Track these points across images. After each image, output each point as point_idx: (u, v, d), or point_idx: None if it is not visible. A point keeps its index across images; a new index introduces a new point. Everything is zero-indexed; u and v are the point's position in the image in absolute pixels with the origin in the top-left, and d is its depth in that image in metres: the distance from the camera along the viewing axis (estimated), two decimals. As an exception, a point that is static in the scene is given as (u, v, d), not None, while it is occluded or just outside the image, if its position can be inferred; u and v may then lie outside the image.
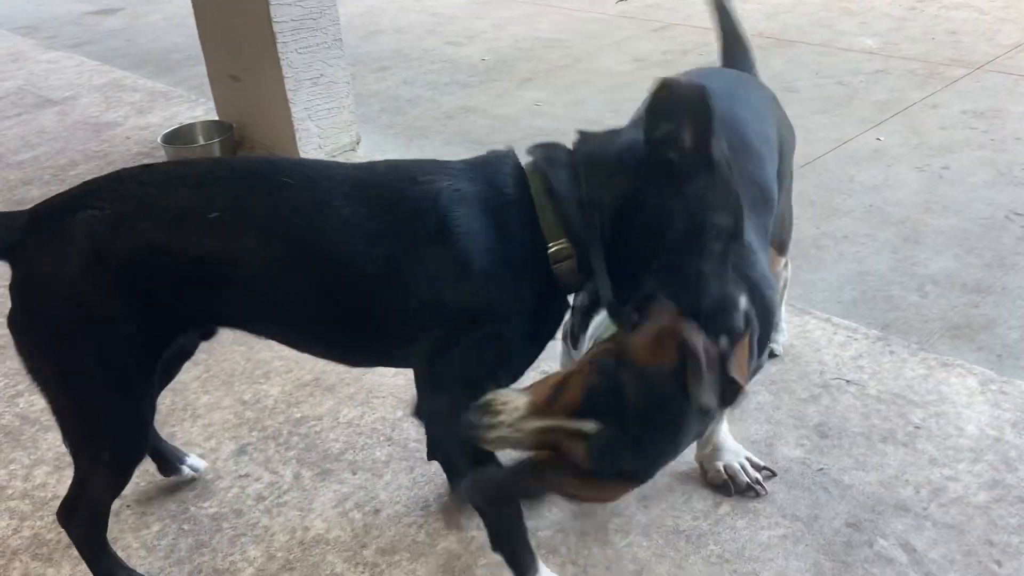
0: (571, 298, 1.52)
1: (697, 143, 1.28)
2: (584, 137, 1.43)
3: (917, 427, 2.02)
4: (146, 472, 2.02)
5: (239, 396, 2.27)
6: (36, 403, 2.27)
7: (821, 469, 1.92)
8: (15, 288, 1.45)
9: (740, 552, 1.73)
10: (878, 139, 3.80)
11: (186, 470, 1.98)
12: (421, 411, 1.50)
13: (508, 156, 1.48)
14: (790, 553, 1.72)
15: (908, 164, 3.54)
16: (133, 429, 1.54)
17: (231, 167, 1.51)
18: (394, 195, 1.43)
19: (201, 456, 2.05)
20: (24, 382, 2.33)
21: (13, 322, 1.47)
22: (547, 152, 1.44)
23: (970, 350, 2.37)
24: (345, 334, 1.51)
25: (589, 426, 1.21)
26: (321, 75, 3.52)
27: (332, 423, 2.15)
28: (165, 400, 2.25)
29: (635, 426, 1.21)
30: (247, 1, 3.38)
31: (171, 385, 2.20)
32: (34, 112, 4.48)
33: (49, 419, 2.11)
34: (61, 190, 1.50)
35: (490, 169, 1.46)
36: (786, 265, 2.23)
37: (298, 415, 2.19)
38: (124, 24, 6.66)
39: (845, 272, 2.79)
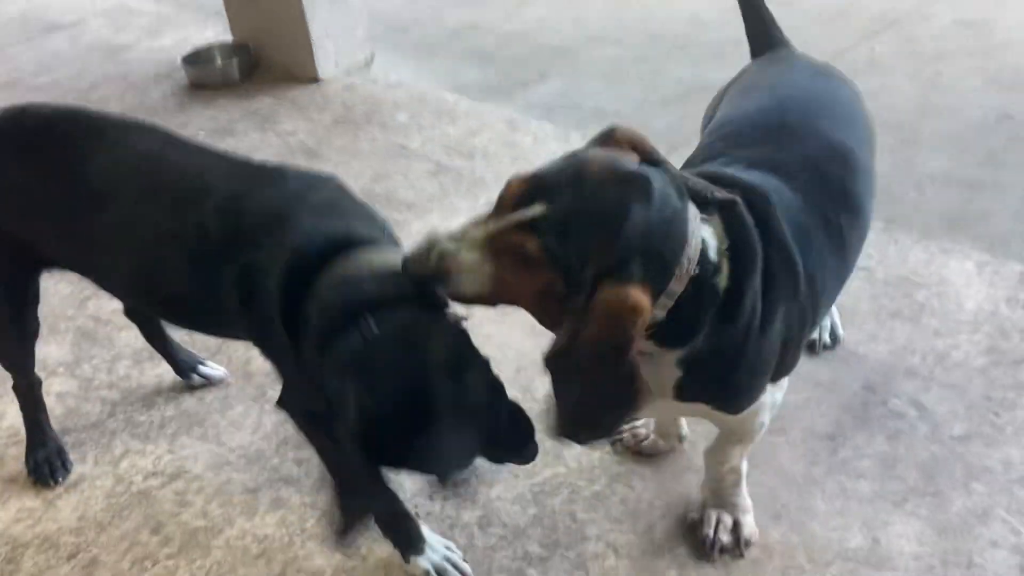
0: None
1: None
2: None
3: (921, 305, 2.23)
4: (221, 360, 2.20)
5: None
6: (105, 306, 2.43)
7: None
8: None
9: (769, 413, 1.95)
10: (873, 49, 3.96)
11: (196, 378, 2.14)
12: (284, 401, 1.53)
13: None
14: (815, 412, 1.94)
15: (902, 72, 3.70)
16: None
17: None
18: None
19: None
20: (91, 287, 2.50)
21: None
22: None
23: (966, 239, 2.58)
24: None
25: (536, 209, 1.11)
26: (337, -3, 3.60)
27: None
28: (227, 300, 2.42)
29: (584, 197, 1.12)
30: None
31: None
32: (44, 36, 4.52)
33: (121, 319, 2.29)
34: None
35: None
36: None
37: (353, 310, 2.37)
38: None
39: (848, 173, 2.98)
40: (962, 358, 2.06)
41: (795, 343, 1.40)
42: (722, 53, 4.07)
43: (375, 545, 1.70)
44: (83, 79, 3.97)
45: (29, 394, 1.92)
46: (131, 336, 2.28)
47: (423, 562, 1.64)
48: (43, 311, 2.40)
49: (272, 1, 3.66)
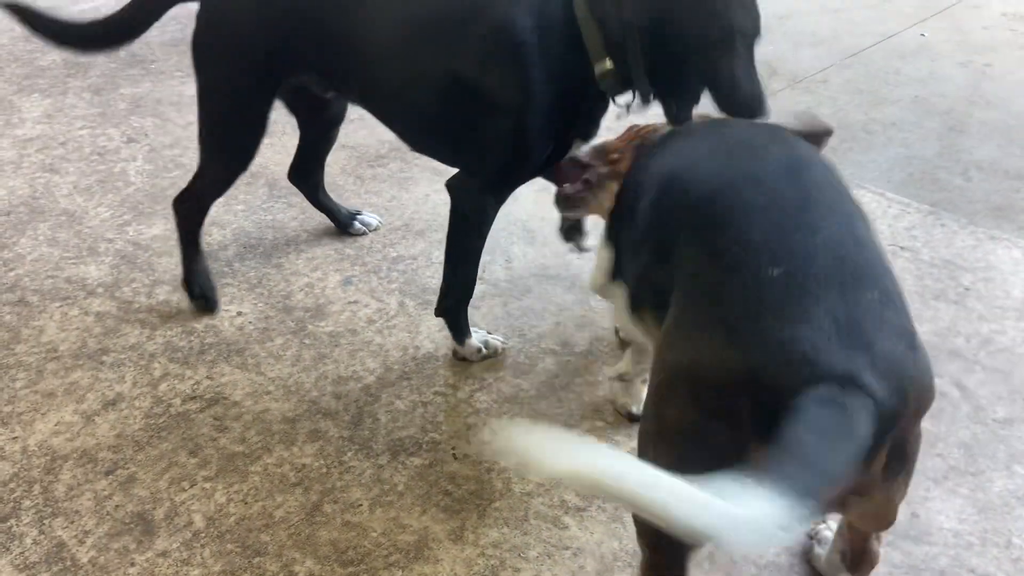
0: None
1: None
2: None
3: (967, 289, 2.22)
4: (261, 293, 2.20)
5: (336, 235, 2.43)
6: (145, 231, 2.43)
7: (880, 320, 2.12)
8: (198, 15, 1.91)
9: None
10: (922, 35, 3.90)
11: (357, 225, 2.43)
12: (451, 184, 1.84)
13: None
14: (855, 386, 1.93)
15: (951, 60, 3.66)
16: (243, 143, 1.98)
17: None
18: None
19: (309, 284, 2.23)
20: (131, 212, 2.50)
21: (192, 42, 1.93)
22: None
23: (1013, 228, 2.55)
24: (415, 113, 1.86)
25: None
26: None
27: (426, 262, 2.32)
28: (268, 235, 2.42)
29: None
30: None
31: (271, 223, 2.39)
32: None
33: (161, 245, 2.30)
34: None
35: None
36: None
37: (394, 254, 2.36)
38: None
39: (894, 155, 2.95)
40: (1008, 343, 2.05)
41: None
42: (768, 27, 4.02)
43: (412, 483, 1.71)
44: None
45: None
46: (171, 262, 2.27)
47: (474, 341, 1.99)
48: (83, 232, 2.41)
49: None
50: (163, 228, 2.42)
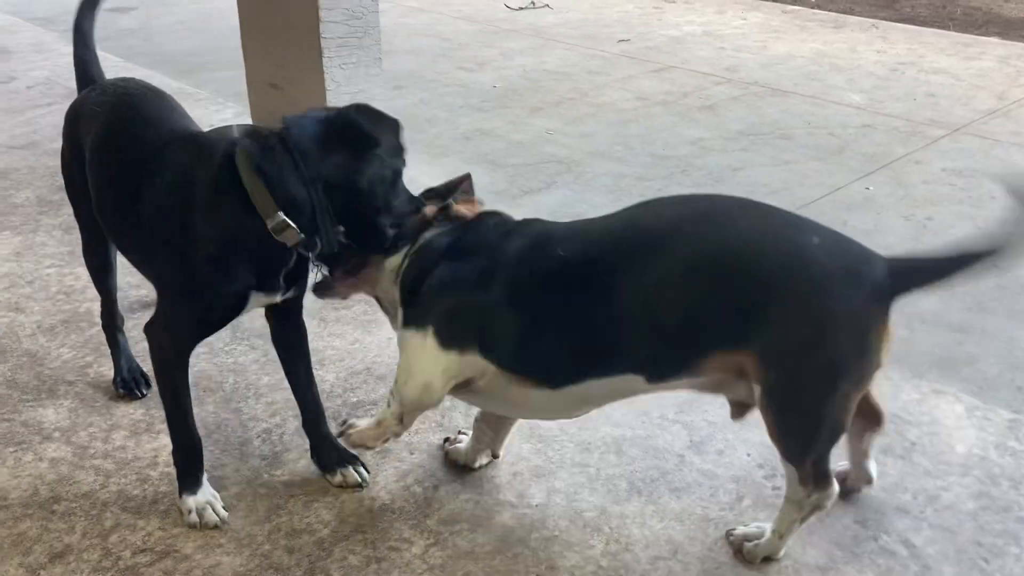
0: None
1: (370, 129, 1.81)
2: (287, 123, 1.81)
3: (913, 443, 2.28)
4: (218, 440, 2.20)
5: (297, 380, 2.45)
6: (105, 374, 2.44)
7: (830, 474, 2.16)
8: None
9: (762, 540, 1.97)
10: (867, 188, 4.12)
11: None
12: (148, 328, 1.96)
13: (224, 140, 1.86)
14: (806, 543, 1.96)
15: (895, 213, 3.86)
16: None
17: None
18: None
19: (267, 430, 2.24)
20: (92, 353, 2.51)
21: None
22: (257, 137, 1.81)
23: (955, 380, 2.65)
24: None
25: None
26: (360, 91, 3.73)
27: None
28: (228, 379, 2.44)
29: None
30: (296, 16, 3.59)
31: (232, 366, 2.42)
32: (65, 103, 4.60)
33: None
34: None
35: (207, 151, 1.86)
36: None
37: (354, 399, 2.39)
38: (139, 24, 6.82)
39: (842, 306, 3.07)
40: (952, 500, 2.10)
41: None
42: (722, 178, 4.23)
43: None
44: (100, 147, 4.04)
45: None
46: (130, 407, 2.28)
47: (189, 500, 1.98)
48: (43, 373, 2.41)
49: (296, 91, 3.79)
50: (124, 371, 2.44)
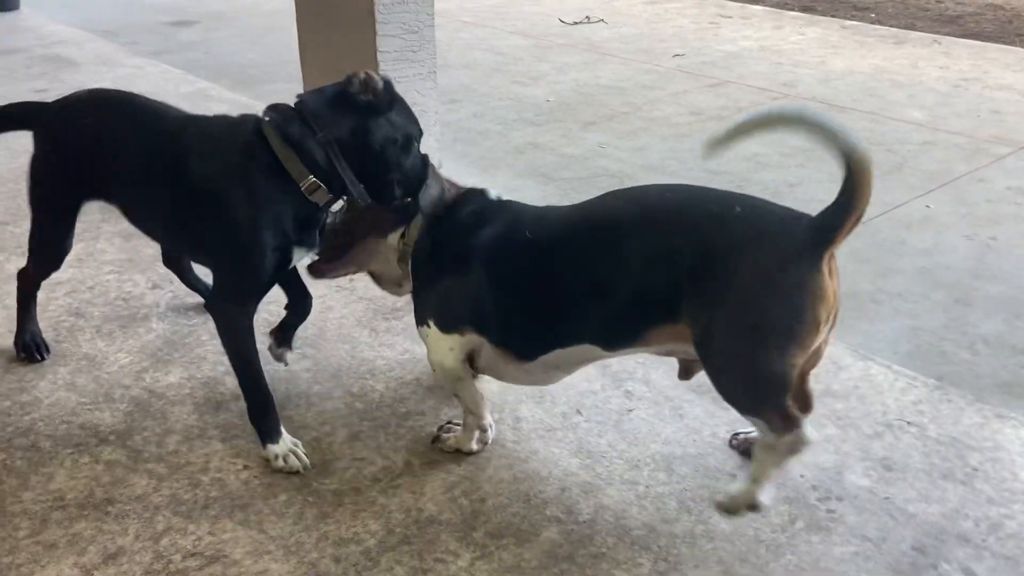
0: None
1: (383, 88, 2.04)
2: (301, 97, 2.09)
3: (975, 469, 2.21)
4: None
5: (347, 389, 2.47)
6: (160, 379, 2.48)
7: (887, 498, 2.11)
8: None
9: (816, 563, 1.92)
10: (927, 206, 4.03)
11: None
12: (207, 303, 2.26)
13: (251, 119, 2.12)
14: (861, 568, 1.91)
15: (957, 232, 3.76)
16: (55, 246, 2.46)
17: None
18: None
19: (316, 439, 2.26)
20: (149, 359, 2.56)
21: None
22: (279, 111, 2.08)
23: (1020, 407, 2.56)
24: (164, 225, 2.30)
25: None
26: (414, 103, 3.74)
27: (435, 419, 2.35)
28: (280, 388, 2.46)
29: None
30: (353, 30, 3.64)
31: (284, 375, 2.45)
32: (127, 113, 4.73)
33: (175, 393, 2.34)
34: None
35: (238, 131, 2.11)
36: None
37: (403, 410, 2.39)
38: (199, 37, 6.97)
39: (900, 327, 3.00)
40: (1016, 529, 2.02)
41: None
42: (778, 193, 4.17)
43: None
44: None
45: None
46: (184, 411, 2.31)
47: (276, 447, 2.16)
48: (101, 377, 2.46)
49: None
50: (179, 376, 2.48)
